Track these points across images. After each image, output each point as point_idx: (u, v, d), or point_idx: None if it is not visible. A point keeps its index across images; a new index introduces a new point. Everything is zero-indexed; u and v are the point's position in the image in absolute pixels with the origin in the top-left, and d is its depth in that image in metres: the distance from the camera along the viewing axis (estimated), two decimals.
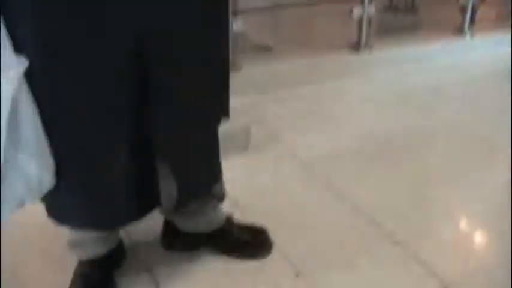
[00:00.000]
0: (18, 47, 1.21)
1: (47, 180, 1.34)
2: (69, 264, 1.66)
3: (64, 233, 1.63)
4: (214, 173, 1.64)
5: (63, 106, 1.30)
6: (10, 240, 1.84)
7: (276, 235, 1.85)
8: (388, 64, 3.33)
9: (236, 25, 2.79)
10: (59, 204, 1.48)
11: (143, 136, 1.39)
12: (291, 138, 2.54)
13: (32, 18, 1.20)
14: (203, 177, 1.58)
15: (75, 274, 1.64)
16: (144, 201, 1.52)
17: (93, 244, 1.62)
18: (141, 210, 1.55)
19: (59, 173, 1.37)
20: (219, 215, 1.76)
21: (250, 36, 3.33)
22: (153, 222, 1.62)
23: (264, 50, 3.43)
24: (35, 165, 1.29)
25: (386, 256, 1.82)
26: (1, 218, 1.28)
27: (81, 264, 1.66)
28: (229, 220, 1.80)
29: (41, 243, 1.84)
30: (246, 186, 2.16)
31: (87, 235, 1.59)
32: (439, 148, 2.53)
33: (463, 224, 2.02)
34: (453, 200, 2.12)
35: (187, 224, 1.72)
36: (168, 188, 1.49)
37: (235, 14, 2.79)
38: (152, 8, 1.25)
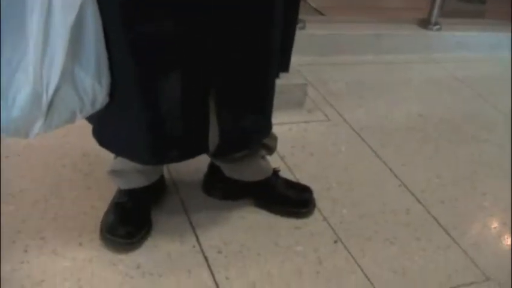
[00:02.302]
0: None
1: (101, 98, 1.29)
2: (108, 192, 1.65)
3: (107, 159, 1.62)
4: (263, 127, 1.56)
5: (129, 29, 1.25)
6: (55, 159, 1.86)
7: (319, 197, 1.81)
8: (454, 46, 3.23)
9: None
10: (105, 126, 1.44)
11: (201, 70, 1.33)
12: (345, 105, 2.49)
13: None
14: (249, 130, 1.49)
15: (111, 203, 1.62)
16: (192, 142, 1.44)
17: (134, 175, 1.59)
18: (187, 152, 1.48)
19: (112, 94, 1.32)
20: (266, 166, 1.71)
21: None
22: (198, 163, 1.58)
23: (319, 13, 3.36)
24: (91, 81, 1.25)
25: (427, 236, 1.77)
26: (49, 127, 1.25)
27: (120, 193, 1.63)
28: (275, 173, 1.75)
29: (85, 167, 1.83)
30: (295, 144, 2.12)
31: (130, 165, 1.55)
32: (497, 139, 2.43)
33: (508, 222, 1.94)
34: (502, 197, 2.04)
35: (233, 170, 1.68)
36: (213, 132, 1.42)
37: None
38: None
